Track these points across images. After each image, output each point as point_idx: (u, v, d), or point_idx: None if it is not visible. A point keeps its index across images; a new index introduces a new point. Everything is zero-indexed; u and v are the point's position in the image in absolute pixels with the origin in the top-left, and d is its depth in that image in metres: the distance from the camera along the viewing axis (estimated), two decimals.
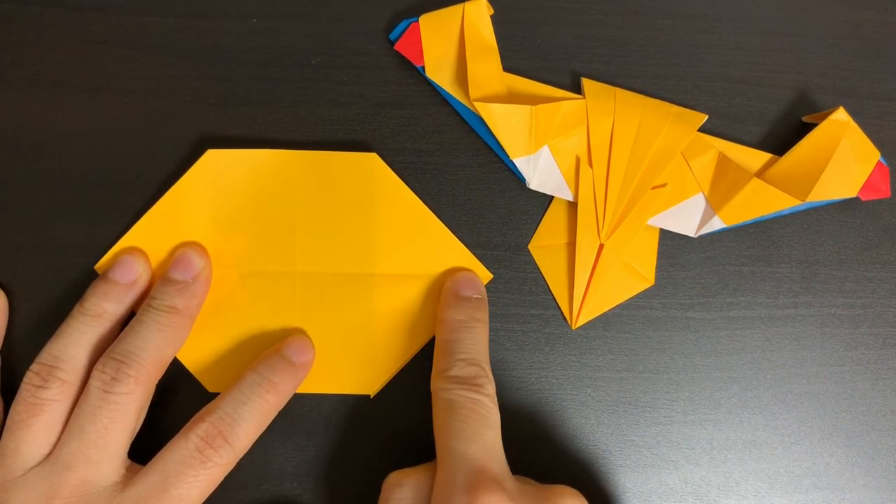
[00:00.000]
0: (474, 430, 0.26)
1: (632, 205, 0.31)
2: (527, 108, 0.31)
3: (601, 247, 0.31)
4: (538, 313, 0.32)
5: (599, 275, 0.31)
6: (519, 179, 0.32)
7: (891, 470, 0.31)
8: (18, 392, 0.27)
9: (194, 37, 0.33)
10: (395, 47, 0.32)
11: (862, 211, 0.33)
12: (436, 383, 0.28)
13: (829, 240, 0.33)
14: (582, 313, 0.31)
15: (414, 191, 0.31)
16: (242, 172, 0.31)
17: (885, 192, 0.31)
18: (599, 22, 0.34)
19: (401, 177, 0.31)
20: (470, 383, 0.27)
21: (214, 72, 0.33)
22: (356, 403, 0.31)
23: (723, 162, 0.32)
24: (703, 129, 0.32)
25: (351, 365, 0.31)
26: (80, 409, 0.27)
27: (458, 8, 0.32)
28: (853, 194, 0.31)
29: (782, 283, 0.32)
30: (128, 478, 0.27)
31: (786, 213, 0.31)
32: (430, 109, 0.33)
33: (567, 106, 0.32)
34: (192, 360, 0.31)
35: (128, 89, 0.33)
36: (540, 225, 0.32)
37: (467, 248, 0.31)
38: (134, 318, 0.29)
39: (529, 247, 0.32)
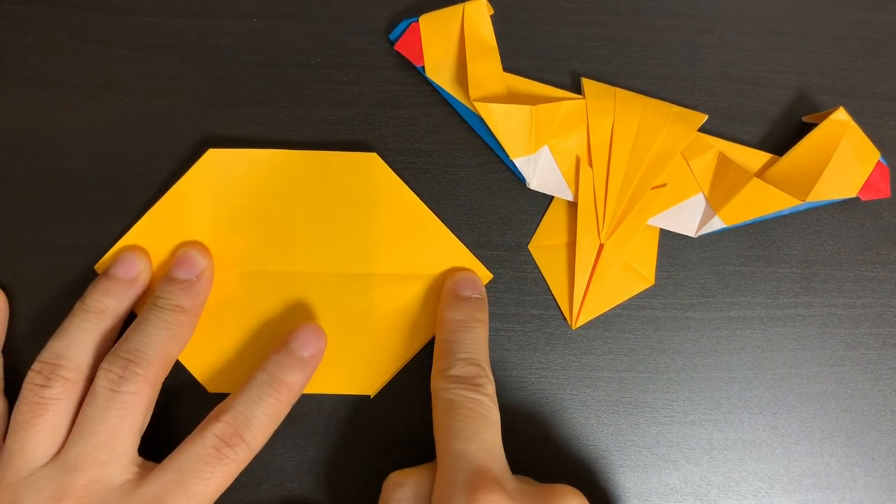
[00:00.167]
0: (474, 429, 0.26)
1: (632, 205, 0.31)
2: (527, 108, 0.31)
3: (601, 247, 0.31)
4: (538, 313, 0.32)
5: (599, 275, 0.31)
6: (519, 179, 0.32)
7: (891, 470, 0.31)
8: (21, 392, 0.27)
9: (194, 37, 0.33)
10: (395, 47, 0.32)
11: (862, 211, 0.33)
12: (436, 383, 0.28)
13: (829, 240, 0.33)
14: (582, 313, 0.31)
15: (414, 191, 0.31)
16: (243, 172, 0.31)
17: (885, 192, 0.31)
18: (599, 22, 0.34)
19: (401, 177, 0.31)
20: (470, 383, 0.27)
21: (214, 72, 0.33)
22: (356, 403, 0.31)
23: (723, 162, 0.32)
24: (703, 129, 0.32)
25: (351, 365, 0.31)
26: (87, 409, 0.27)
27: (458, 8, 0.32)
28: (853, 194, 0.31)
29: (782, 283, 0.32)
30: (141, 475, 0.27)
31: (786, 213, 0.31)
32: (430, 109, 0.33)
33: (567, 106, 0.32)
34: (192, 360, 0.31)
35: (128, 89, 0.33)
36: (540, 225, 0.32)
37: (467, 248, 0.31)
38: (139, 317, 0.29)
39: (529, 247, 0.32)
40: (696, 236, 0.32)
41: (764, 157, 0.32)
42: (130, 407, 0.27)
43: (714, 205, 0.31)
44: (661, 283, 0.32)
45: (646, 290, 0.32)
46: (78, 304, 0.29)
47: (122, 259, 0.30)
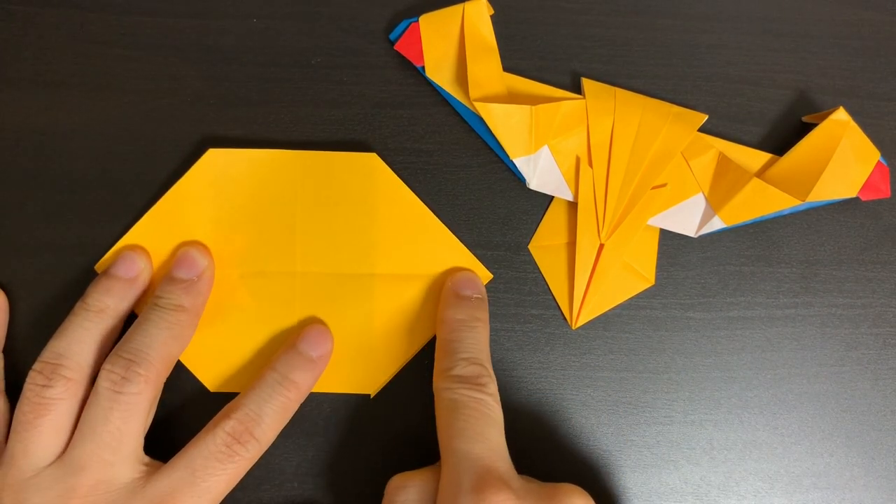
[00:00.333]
0: (478, 429, 0.26)
1: (632, 205, 0.31)
2: (527, 108, 0.31)
3: (601, 247, 0.31)
4: (538, 313, 0.32)
5: (599, 275, 0.31)
6: (519, 179, 0.32)
7: (891, 470, 0.31)
8: (23, 392, 0.27)
9: (194, 37, 0.33)
10: (395, 47, 0.32)
11: (862, 211, 0.33)
12: (438, 383, 0.28)
13: (829, 240, 0.33)
14: (582, 313, 0.31)
15: (414, 191, 0.31)
16: (243, 172, 0.31)
17: (885, 192, 0.31)
18: (599, 22, 0.34)
19: (401, 177, 0.31)
20: (473, 382, 0.27)
21: (214, 72, 0.33)
22: (356, 403, 0.31)
23: (723, 162, 0.32)
24: (703, 129, 0.32)
25: (351, 365, 0.31)
26: (90, 410, 0.27)
27: (458, 8, 0.32)
28: (853, 194, 0.31)
29: (782, 283, 0.32)
30: (149, 473, 0.27)
31: (786, 213, 0.31)
32: (430, 109, 0.33)
33: (567, 106, 0.32)
34: (193, 359, 0.31)
35: (128, 89, 0.33)
36: (540, 225, 0.32)
37: (467, 248, 0.31)
38: (140, 317, 0.29)
39: (529, 247, 0.32)
40: (696, 236, 0.32)
41: (764, 157, 0.32)
42: (133, 407, 0.27)
43: (714, 205, 0.31)
44: (661, 283, 0.32)
45: (646, 290, 0.32)
46: (78, 304, 0.29)
47: (122, 258, 0.30)
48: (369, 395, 0.31)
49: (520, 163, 0.31)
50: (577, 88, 0.33)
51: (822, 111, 0.32)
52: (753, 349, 0.32)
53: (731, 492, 0.31)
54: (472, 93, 0.31)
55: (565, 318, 0.32)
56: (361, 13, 0.33)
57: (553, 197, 0.32)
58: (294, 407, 0.29)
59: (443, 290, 0.31)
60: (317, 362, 0.29)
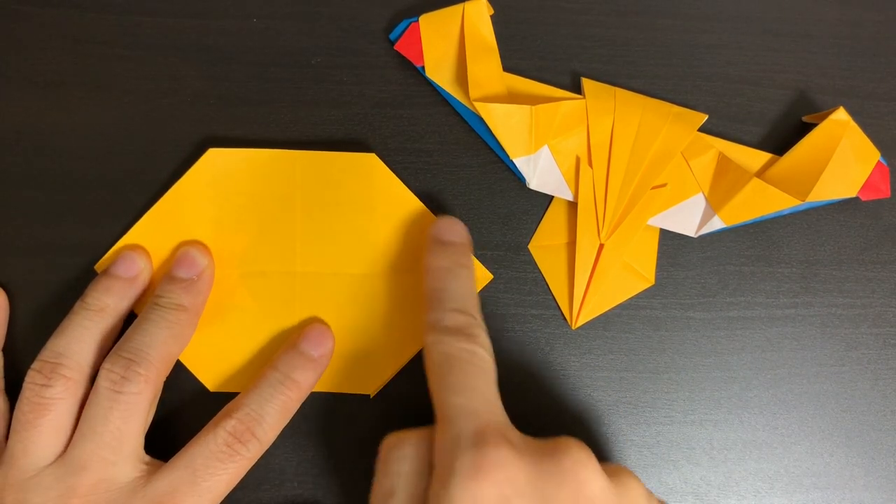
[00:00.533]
0: (473, 383, 0.25)
1: (632, 205, 0.31)
2: (527, 108, 0.31)
3: (601, 247, 0.31)
4: (538, 313, 0.32)
5: (599, 275, 0.31)
6: (519, 179, 0.32)
7: (891, 470, 0.31)
8: (22, 391, 0.27)
9: (194, 37, 0.33)
10: (395, 47, 0.32)
11: (862, 211, 0.33)
12: (428, 336, 0.27)
13: (829, 240, 0.33)
14: (582, 313, 0.31)
15: (414, 191, 0.31)
16: (243, 172, 0.31)
17: (885, 192, 0.31)
18: (599, 22, 0.34)
19: (401, 177, 0.31)
20: (464, 333, 0.26)
21: (214, 72, 0.33)
22: (356, 403, 0.31)
23: (723, 162, 0.32)
24: (703, 129, 0.32)
25: (351, 365, 0.31)
26: (90, 410, 0.27)
27: (458, 8, 0.32)
28: (853, 194, 0.31)
29: (782, 283, 0.32)
30: (149, 472, 0.27)
31: (786, 213, 0.31)
32: (430, 109, 0.33)
33: (567, 106, 0.32)
34: (193, 359, 0.31)
35: (128, 89, 0.33)
36: (540, 225, 0.32)
37: None
38: (139, 317, 0.29)
39: (529, 247, 0.32)
40: (696, 236, 0.32)
41: (764, 157, 0.32)
42: (133, 407, 0.27)
43: (714, 205, 0.31)
44: (661, 283, 0.32)
45: (646, 290, 0.32)
46: (78, 303, 0.29)
47: (122, 257, 0.30)
48: (369, 396, 0.31)
49: (520, 163, 0.31)
50: (577, 88, 0.33)
51: (822, 111, 0.32)
52: (753, 349, 0.32)
53: (731, 492, 0.31)
54: (472, 93, 0.31)
55: (565, 318, 0.32)
56: (361, 13, 0.33)
57: (553, 197, 0.32)
58: (295, 406, 0.29)
59: (426, 238, 0.30)
60: (318, 361, 0.29)
